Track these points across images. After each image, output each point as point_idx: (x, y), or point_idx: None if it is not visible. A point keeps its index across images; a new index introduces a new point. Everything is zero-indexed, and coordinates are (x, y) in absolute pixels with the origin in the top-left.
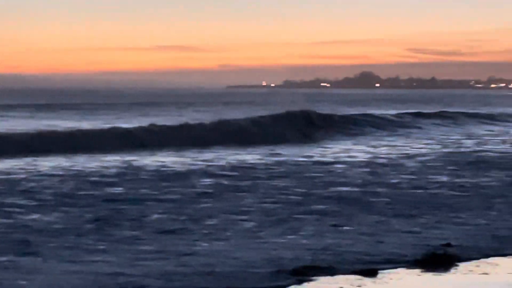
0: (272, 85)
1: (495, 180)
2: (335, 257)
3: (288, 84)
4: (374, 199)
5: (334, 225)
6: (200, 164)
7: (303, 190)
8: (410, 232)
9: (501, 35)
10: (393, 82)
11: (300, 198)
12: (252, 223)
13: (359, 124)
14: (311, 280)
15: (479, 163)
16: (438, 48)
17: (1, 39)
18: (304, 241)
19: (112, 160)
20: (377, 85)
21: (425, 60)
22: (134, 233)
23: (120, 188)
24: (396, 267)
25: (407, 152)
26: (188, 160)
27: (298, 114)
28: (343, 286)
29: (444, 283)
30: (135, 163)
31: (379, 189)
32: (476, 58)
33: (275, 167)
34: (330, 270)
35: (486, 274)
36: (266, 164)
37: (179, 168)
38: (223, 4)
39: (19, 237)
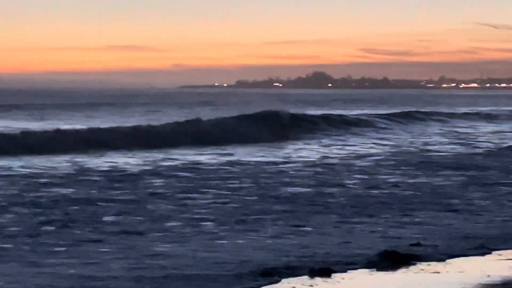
0: (225, 85)
1: (447, 180)
2: (301, 258)
3: (240, 84)
4: (331, 200)
5: (296, 226)
6: (152, 165)
7: (259, 191)
8: (373, 232)
9: (451, 36)
10: (346, 82)
11: (255, 198)
12: (211, 224)
13: (329, 124)
14: (278, 281)
15: (430, 162)
16: (390, 48)
17: None
18: (269, 242)
19: (61, 161)
20: (330, 85)
21: (377, 60)
22: (93, 234)
23: (71, 189)
24: (357, 268)
25: (362, 152)
26: (140, 161)
27: (262, 115)
28: (295, 286)
29: (393, 282)
30: (85, 164)
31: (333, 189)
32: (427, 58)
33: (229, 167)
34: (297, 271)
35: (437, 273)
36: (220, 164)
37: (130, 169)
38: (177, 4)
39: None
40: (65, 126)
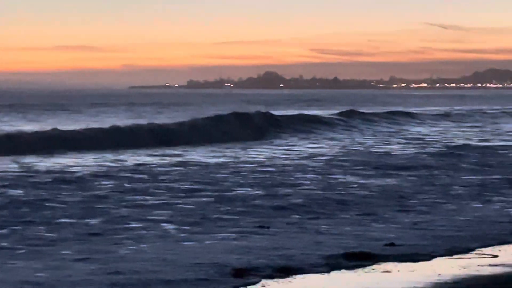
0: (176, 85)
1: (400, 180)
2: (272, 258)
3: (192, 85)
4: (289, 200)
5: (260, 226)
6: (102, 167)
7: (215, 193)
8: (339, 234)
9: (401, 36)
10: (297, 82)
11: (212, 199)
12: (171, 226)
13: (299, 125)
14: (256, 282)
15: (383, 162)
16: (341, 48)
17: None
18: (235, 243)
19: (9, 163)
20: (281, 85)
21: (328, 60)
22: (51, 236)
23: (20, 191)
24: (320, 269)
25: (314, 152)
26: (89, 162)
27: (225, 116)
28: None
29: (346, 282)
30: (33, 166)
31: (289, 190)
32: (378, 58)
33: (181, 168)
34: (272, 272)
35: (388, 272)
36: (172, 165)
37: (81, 170)
38: (127, 4)
39: None
40: (11, 128)
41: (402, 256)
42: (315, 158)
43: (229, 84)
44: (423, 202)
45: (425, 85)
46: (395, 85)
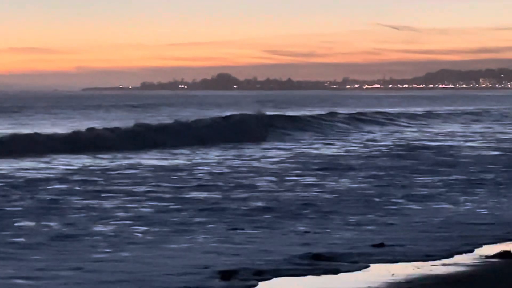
0: (130, 87)
1: (357, 182)
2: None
3: (145, 86)
4: (253, 203)
5: (234, 229)
6: (55, 170)
7: (171, 195)
8: (296, 234)
9: (353, 37)
10: (251, 84)
11: (173, 203)
12: (143, 228)
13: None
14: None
15: (338, 164)
16: (294, 50)
17: None
18: (214, 245)
19: None
20: (235, 86)
21: (281, 61)
22: (19, 240)
23: None
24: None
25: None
26: (42, 166)
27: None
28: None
29: (299, 284)
30: None
31: (244, 193)
32: (331, 59)
33: (136, 171)
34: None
35: (344, 272)
36: (126, 168)
37: (31, 174)
38: (78, 6)
39: None
40: None
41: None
42: (272, 160)
43: (182, 86)
44: (399, 206)
45: (378, 85)
46: (348, 86)
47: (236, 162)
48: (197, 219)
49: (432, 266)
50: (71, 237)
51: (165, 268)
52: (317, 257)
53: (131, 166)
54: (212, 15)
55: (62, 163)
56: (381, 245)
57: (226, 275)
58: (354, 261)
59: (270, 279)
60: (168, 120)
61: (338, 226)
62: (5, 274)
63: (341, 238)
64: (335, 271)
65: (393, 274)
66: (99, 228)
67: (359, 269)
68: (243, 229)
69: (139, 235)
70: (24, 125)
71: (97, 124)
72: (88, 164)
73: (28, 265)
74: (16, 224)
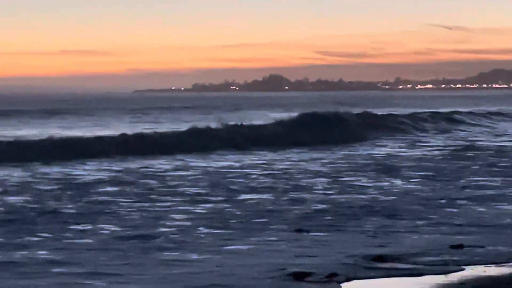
0: (182, 88)
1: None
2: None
3: (197, 88)
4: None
5: (298, 230)
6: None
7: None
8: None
9: (406, 37)
10: (302, 85)
11: (228, 204)
12: (205, 230)
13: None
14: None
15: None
16: (345, 50)
17: None
18: (283, 246)
19: (17, 170)
20: (286, 87)
21: (333, 62)
22: (83, 241)
23: (28, 198)
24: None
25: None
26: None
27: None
28: None
29: None
30: (45, 174)
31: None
32: (383, 60)
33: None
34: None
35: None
36: (185, 168)
37: (84, 177)
38: (131, 8)
39: None
40: (18, 133)
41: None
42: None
43: (234, 87)
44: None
45: (430, 86)
46: (400, 86)
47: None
48: (258, 220)
49: None
50: (135, 239)
51: (240, 270)
52: (392, 258)
53: (202, 170)
54: (263, 16)
55: (111, 165)
56: (460, 246)
57: (299, 276)
58: (437, 262)
59: (345, 281)
60: (243, 121)
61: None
62: (78, 275)
63: (414, 239)
64: (419, 274)
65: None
66: (160, 229)
67: (447, 272)
68: (308, 231)
69: (202, 235)
70: (72, 128)
71: (159, 126)
72: (139, 166)
73: (101, 266)
74: (73, 227)
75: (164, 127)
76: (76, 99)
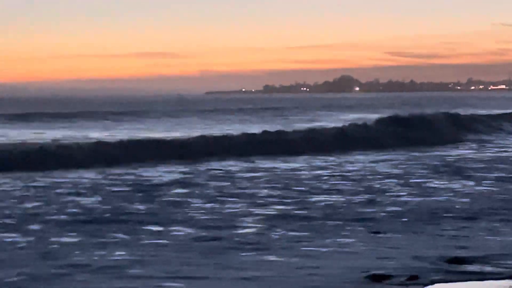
0: (252, 90)
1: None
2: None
3: (268, 89)
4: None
5: (375, 232)
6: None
7: (300, 198)
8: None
9: (476, 38)
10: (373, 86)
11: (297, 206)
12: (280, 231)
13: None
14: None
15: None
16: (416, 51)
17: None
18: (363, 248)
19: (91, 172)
20: (357, 89)
21: (403, 63)
22: (163, 242)
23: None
24: None
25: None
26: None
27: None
28: None
29: None
30: (121, 176)
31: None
32: (454, 60)
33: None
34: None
35: None
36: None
37: (156, 179)
38: (202, 10)
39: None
40: (95, 134)
41: None
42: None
43: (304, 88)
44: None
45: (503, 86)
46: (473, 87)
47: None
48: (332, 222)
49: None
50: (210, 240)
51: (319, 272)
52: (473, 260)
53: (272, 172)
54: (334, 17)
55: (181, 167)
56: None
57: (378, 279)
58: None
59: (430, 284)
60: (313, 123)
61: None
62: (156, 276)
63: (495, 241)
64: (504, 277)
65: None
66: (234, 231)
67: None
68: (384, 233)
69: (277, 237)
70: (143, 129)
71: (230, 128)
72: (209, 168)
73: (179, 268)
74: (147, 228)
75: (235, 129)
76: (149, 101)
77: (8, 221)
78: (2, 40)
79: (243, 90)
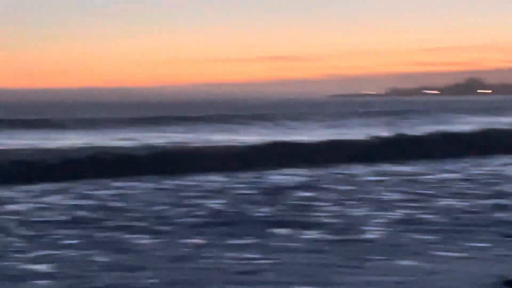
0: (375, 93)
1: None
2: None
3: (392, 92)
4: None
5: (509, 236)
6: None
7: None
8: None
9: None
10: (501, 88)
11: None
12: (409, 236)
13: None
14: None
15: None
16: None
17: (106, 52)
18: (499, 253)
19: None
20: (484, 91)
21: None
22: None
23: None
24: None
25: None
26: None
27: None
28: None
29: None
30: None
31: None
32: None
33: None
34: None
35: None
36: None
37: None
38: (326, 13)
39: None
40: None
41: None
42: None
43: (429, 91)
44: None
45: None
46: None
47: None
48: (462, 226)
49: None
50: (341, 243)
51: (455, 277)
52: None
53: (396, 177)
54: (459, 19)
55: (305, 171)
56: None
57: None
58: None
59: None
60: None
61: None
62: (290, 282)
63: None
64: None
65: None
66: (363, 235)
67: None
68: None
69: (407, 241)
70: (269, 133)
71: (355, 132)
72: (333, 172)
73: (313, 272)
74: (275, 231)
75: (359, 133)
76: (274, 105)
77: (139, 224)
78: (130, 44)
79: (367, 93)
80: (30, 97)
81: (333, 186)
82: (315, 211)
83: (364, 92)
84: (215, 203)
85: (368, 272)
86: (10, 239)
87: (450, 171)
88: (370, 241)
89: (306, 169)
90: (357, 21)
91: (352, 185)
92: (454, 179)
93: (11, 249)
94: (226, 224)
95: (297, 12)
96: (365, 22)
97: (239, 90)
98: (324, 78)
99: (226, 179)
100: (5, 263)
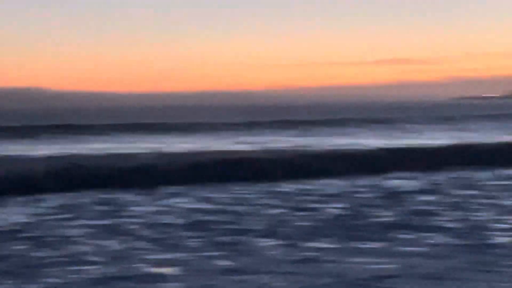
0: (495, 95)
1: None
2: None
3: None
4: None
5: None
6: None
7: None
8: None
9: None
10: None
11: None
12: None
13: None
14: None
15: None
16: None
17: (227, 56)
18: None
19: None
20: None
21: None
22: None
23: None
24: None
25: None
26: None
27: None
28: None
29: None
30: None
31: None
32: None
33: None
34: None
35: None
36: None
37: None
38: (446, 16)
39: None
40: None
41: None
42: None
43: None
44: None
45: None
46: None
47: None
48: None
49: None
50: (466, 248)
51: None
52: None
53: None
54: None
55: (423, 175)
56: None
57: None
58: None
59: None
60: None
61: None
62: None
63: None
64: None
65: None
66: (486, 240)
67: None
68: None
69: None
70: (389, 136)
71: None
72: (453, 177)
73: (448, 277)
74: (399, 236)
75: (482, 137)
76: (394, 108)
77: (259, 227)
78: (240, 48)
79: (488, 95)
80: (152, 101)
81: (455, 191)
82: (437, 215)
83: (483, 94)
84: (335, 207)
85: (503, 278)
86: (135, 242)
87: None
88: (497, 246)
89: (424, 173)
90: (476, 22)
91: (475, 189)
92: None
93: (136, 251)
94: (347, 228)
95: (416, 15)
96: (484, 23)
97: (356, 93)
98: (444, 81)
99: (345, 182)
100: (132, 265)
